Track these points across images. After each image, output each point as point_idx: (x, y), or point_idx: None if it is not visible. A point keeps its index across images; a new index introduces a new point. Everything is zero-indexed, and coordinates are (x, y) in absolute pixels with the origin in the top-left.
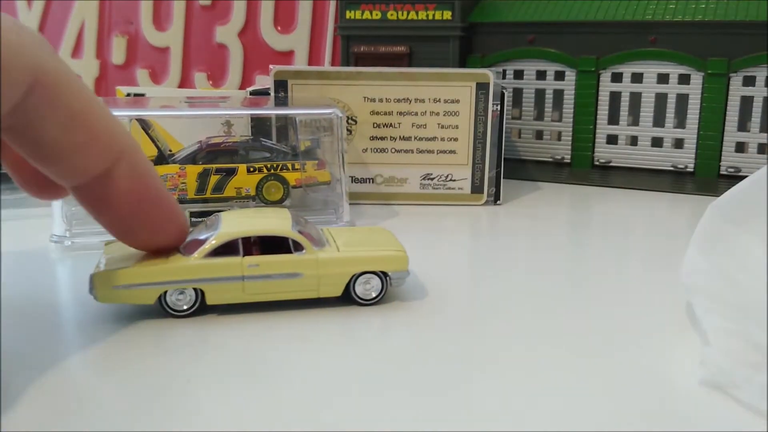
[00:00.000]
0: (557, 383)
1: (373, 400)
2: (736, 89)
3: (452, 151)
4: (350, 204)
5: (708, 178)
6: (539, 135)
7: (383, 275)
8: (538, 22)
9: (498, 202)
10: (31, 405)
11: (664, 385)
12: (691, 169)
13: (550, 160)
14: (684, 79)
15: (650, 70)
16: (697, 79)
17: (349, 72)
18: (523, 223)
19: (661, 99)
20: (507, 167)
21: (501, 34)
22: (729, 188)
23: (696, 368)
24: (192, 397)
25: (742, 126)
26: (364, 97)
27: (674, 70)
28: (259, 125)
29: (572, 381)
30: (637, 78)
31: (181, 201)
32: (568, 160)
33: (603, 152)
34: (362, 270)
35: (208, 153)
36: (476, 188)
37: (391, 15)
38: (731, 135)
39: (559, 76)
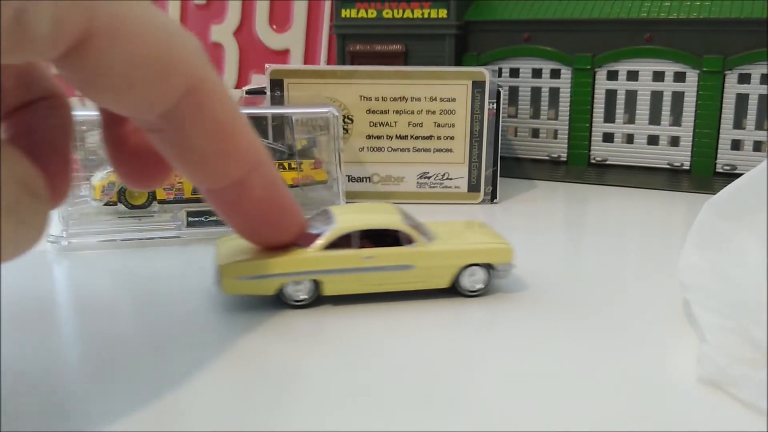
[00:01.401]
0: (552, 382)
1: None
2: (732, 87)
3: (449, 150)
4: (347, 203)
5: (704, 175)
6: (535, 133)
7: (489, 267)
8: (533, 20)
9: (495, 200)
10: (34, 404)
11: (660, 382)
12: (687, 167)
13: (547, 158)
14: (679, 77)
15: (646, 68)
16: (692, 76)
17: (345, 71)
18: (520, 221)
19: (656, 97)
20: (503, 166)
21: (497, 32)
22: (725, 186)
23: (693, 366)
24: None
25: (738, 123)
26: (360, 96)
27: (670, 68)
28: (256, 124)
29: (567, 379)
30: (632, 76)
31: (178, 200)
32: (565, 159)
33: (599, 150)
34: (470, 262)
35: None
36: (473, 187)
37: (387, 13)
38: (727, 133)
39: (555, 74)
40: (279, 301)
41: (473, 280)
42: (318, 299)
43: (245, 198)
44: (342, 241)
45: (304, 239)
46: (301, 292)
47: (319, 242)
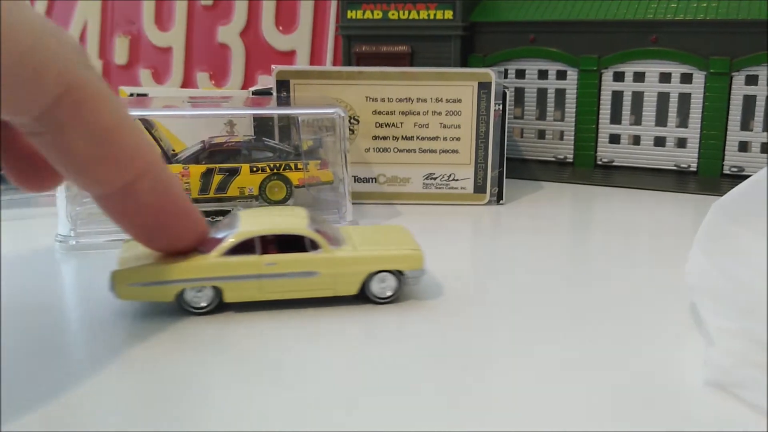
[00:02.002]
0: (561, 383)
1: (386, 400)
2: (739, 88)
3: (455, 151)
4: (353, 204)
5: (711, 177)
6: (541, 134)
7: (399, 274)
8: (539, 22)
9: (501, 201)
10: (41, 404)
11: (667, 384)
12: (694, 169)
13: (553, 159)
14: (686, 78)
15: (652, 69)
16: (699, 78)
17: (350, 72)
18: (526, 222)
19: (663, 98)
20: (509, 167)
21: (502, 33)
22: (732, 187)
23: (699, 368)
24: (207, 394)
25: (745, 125)
26: (366, 97)
27: (676, 70)
28: (262, 125)
29: (576, 381)
30: (639, 77)
31: None
32: (571, 160)
33: (605, 152)
34: (378, 269)
35: (211, 153)
36: (479, 188)
37: (393, 15)
38: (734, 134)
39: (561, 75)
40: (181, 308)
41: (383, 286)
42: (220, 306)
43: (134, 204)
44: (245, 247)
45: (206, 244)
46: (202, 299)
47: (220, 247)
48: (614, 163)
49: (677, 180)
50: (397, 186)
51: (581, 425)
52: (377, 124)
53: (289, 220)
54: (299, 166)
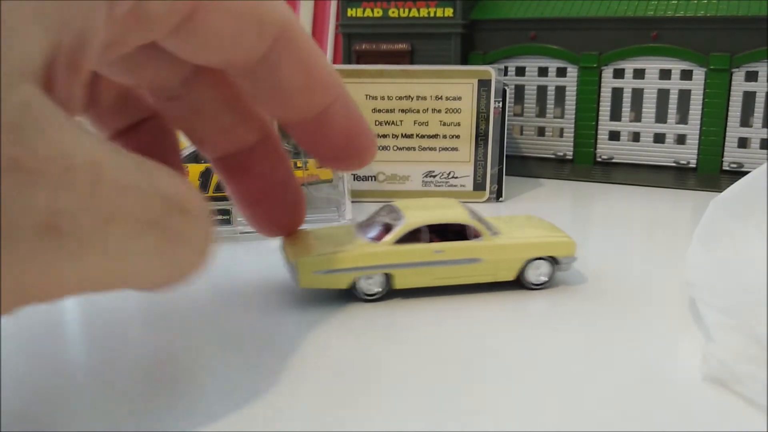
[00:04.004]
0: (558, 380)
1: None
2: (739, 85)
3: (454, 149)
4: (352, 202)
5: (710, 173)
6: (541, 132)
7: (552, 260)
8: (539, 19)
9: (500, 199)
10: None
11: (666, 380)
12: (694, 165)
13: (552, 156)
14: (686, 75)
15: (652, 66)
16: (699, 74)
17: (350, 70)
18: None
19: (663, 95)
20: (509, 164)
21: (502, 30)
22: (731, 184)
23: (698, 364)
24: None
25: (745, 121)
26: (366, 95)
27: (676, 66)
28: None
29: (574, 377)
30: (639, 74)
31: None
32: (570, 157)
33: (605, 149)
34: (535, 255)
35: None
36: (478, 185)
37: (393, 12)
38: (733, 130)
39: (561, 72)
40: (350, 296)
41: (538, 273)
42: (389, 293)
43: (329, 127)
44: (412, 236)
45: (375, 235)
46: (374, 286)
47: (390, 237)
48: (614, 160)
49: (677, 176)
50: (396, 184)
51: (579, 422)
52: (377, 122)
53: (450, 210)
54: (299, 164)
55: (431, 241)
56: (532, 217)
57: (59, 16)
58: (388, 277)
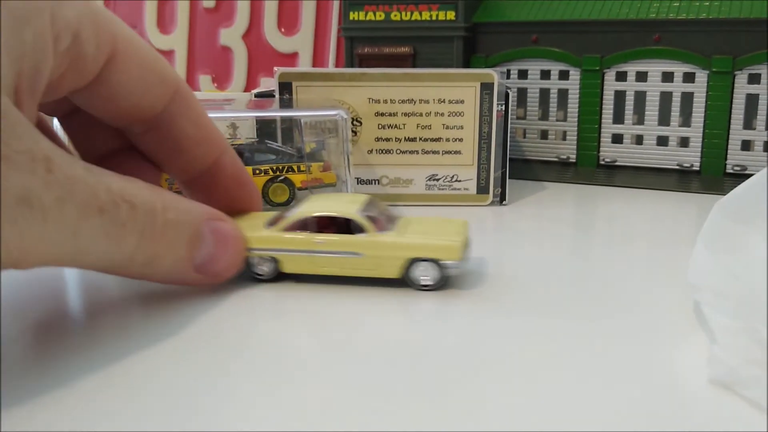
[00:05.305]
0: (563, 382)
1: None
2: (742, 87)
3: (457, 152)
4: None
5: (714, 176)
6: (544, 135)
7: (436, 263)
8: (541, 22)
9: (504, 202)
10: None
11: (671, 383)
12: (697, 168)
13: (555, 159)
14: (689, 78)
15: (655, 68)
16: (701, 77)
17: (353, 73)
18: (529, 223)
19: (666, 97)
20: (512, 167)
21: (505, 33)
22: (735, 186)
23: (703, 367)
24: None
25: (748, 124)
26: (369, 99)
27: (679, 69)
28: (264, 127)
29: (578, 380)
30: (641, 77)
31: None
32: (573, 160)
33: (608, 151)
34: (414, 256)
35: None
36: (482, 188)
37: (395, 16)
38: (737, 133)
39: (564, 75)
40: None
41: (422, 274)
42: (280, 275)
43: (222, 176)
44: (300, 225)
45: (274, 221)
46: (264, 267)
47: (280, 225)
48: (617, 163)
49: (680, 179)
50: (399, 187)
51: (583, 423)
52: (380, 126)
53: (343, 205)
54: (302, 168)
55: (320, 232)
56: (458, 223)
57: (20, 49)
58: (275, 261)
